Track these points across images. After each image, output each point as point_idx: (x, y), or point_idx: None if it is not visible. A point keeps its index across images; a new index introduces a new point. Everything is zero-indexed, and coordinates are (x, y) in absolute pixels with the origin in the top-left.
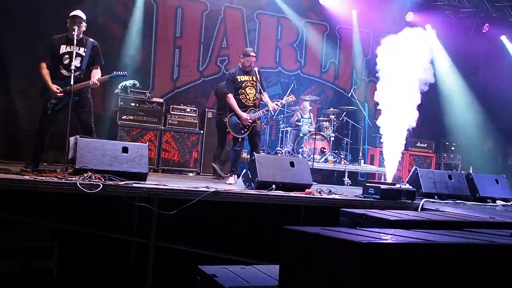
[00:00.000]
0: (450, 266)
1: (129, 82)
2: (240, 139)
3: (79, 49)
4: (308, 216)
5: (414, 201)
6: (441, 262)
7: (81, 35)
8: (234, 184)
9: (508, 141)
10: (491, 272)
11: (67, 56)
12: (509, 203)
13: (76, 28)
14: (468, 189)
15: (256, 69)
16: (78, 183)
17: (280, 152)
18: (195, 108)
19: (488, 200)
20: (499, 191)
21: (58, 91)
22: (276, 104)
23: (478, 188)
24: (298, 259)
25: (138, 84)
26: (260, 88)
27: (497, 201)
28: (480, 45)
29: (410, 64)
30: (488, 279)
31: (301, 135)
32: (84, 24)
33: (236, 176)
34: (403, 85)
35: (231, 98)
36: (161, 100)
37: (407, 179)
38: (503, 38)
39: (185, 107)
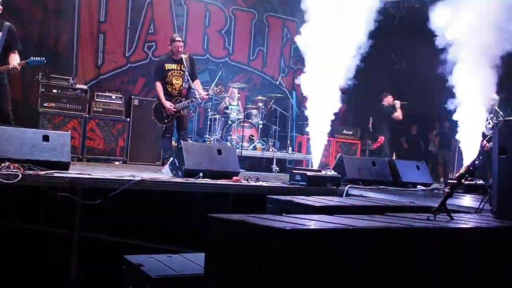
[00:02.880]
0: (371, 250)
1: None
2: (167, 127)
3: None
4: (236, 204)
5: (339, 187)
6: (363, 246)
7: None
8: (161, 172)
9: (429, 128)
10: (410, 254)
11: None
12: (428, 188)
13: None
14: (390, 175)
15: (186, 56)
16: None
17: (209, 140)
18: (121, 95)
19: (409, 185)
20: (419, 177)
21: None
22: (206, 94)
23: (400, 174)
24: (223, 246)
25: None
26: (188, 77)
27: (418, 186)
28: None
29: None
30: (407, 260)
31: (229, 122)
32: (0, 6)
33: None
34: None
35: (158, 86)
36: (85, 87)
37: (332, 166)
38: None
39: (110, 94)
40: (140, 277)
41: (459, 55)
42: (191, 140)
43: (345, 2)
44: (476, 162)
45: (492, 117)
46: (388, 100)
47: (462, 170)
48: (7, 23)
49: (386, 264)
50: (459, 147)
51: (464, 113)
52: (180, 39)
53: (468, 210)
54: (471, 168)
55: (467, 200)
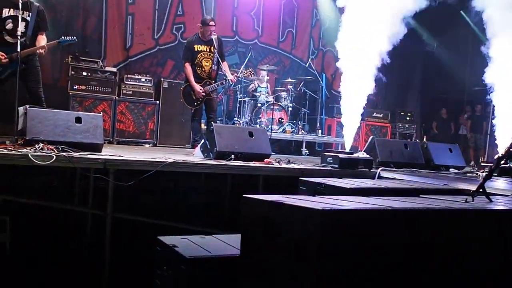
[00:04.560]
0: (408, 231)
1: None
2: (197, 110)
3: (23, 14)
4: (266, 186)
5: (371, 170)
6: (400, 227)
7: None
8: (192, 154)
9: (460, 112)
10: (449, 235)
11: (10, 20)
12: (461, 171)
13: None
14: (423, 158)
15: (215, 37)
16: (29, 154)
17: (238, 122)
18: (150, 78)
19: (441, 168)
20: (452, 160)
21: (3, 57)
22: (235, 76)
23: (432, 157)
24: (259, 227)
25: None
26: (218, 58)
27: (450, 169)
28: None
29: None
30: (446, 242)
31: (258, 105)
32: None
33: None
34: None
35: (187, 68)
36: (114, 70)
37: (364, 148)
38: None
39: (139, 76)
40: (174, 258)
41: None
42: (220, 122)
43: None
44: None
45: None
46: None
47: (502, 152)
48: (36, 4)
49: (424, 245)
50: (492, 131)
51: (500, 95)
52: (213, 23)
53: (503, 192)
54: (510, 150)
55: (502, 183)
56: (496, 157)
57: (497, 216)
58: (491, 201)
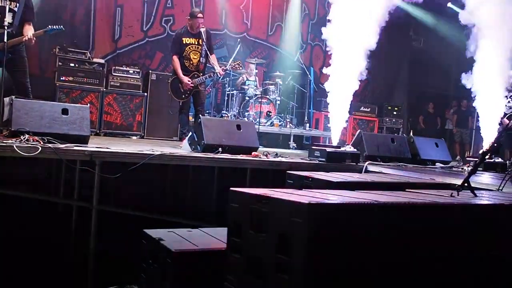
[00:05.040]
0: (394, 225)
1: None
2: (184, 103)
3: (10, 4)
4: (254, 179)
5: (358, 164)
6: (386, 221)
7: None
8: (180, 147)
9: (446, 106)
10: (435, 230)
11: None
12: (447, 166)
13: None
14: (409, 152)
15: (204, 29)
16: (14, 145)
17: (226, 115)
18: (138, 70)
19: (428, 163)
20: (438, 154)
21: None
22: (223, 69)
23: (419, 151)
24: (246, 220)
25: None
26: (207, 51)
27: (436, 163)
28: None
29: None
30: (432, 236)
31: (247, 98)
32: None
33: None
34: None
35: (175, 60)
36: (102, 61)
37: (351, 142)
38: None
39: (127, 68)
40: (160, 251)
41: (480, 31)
42: (208, 115)
43: None
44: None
45: (511, 95)
46: None
47: (486, 147)
48: None
49: (410, 239)
50: (477, 126)
51: (483, 91)
52: (202, 16)
53: (488, 187)
54: (495, 144)
55: (487, 178)
56: (481, 152)
57: (481, 211)
58: (475, 195)
